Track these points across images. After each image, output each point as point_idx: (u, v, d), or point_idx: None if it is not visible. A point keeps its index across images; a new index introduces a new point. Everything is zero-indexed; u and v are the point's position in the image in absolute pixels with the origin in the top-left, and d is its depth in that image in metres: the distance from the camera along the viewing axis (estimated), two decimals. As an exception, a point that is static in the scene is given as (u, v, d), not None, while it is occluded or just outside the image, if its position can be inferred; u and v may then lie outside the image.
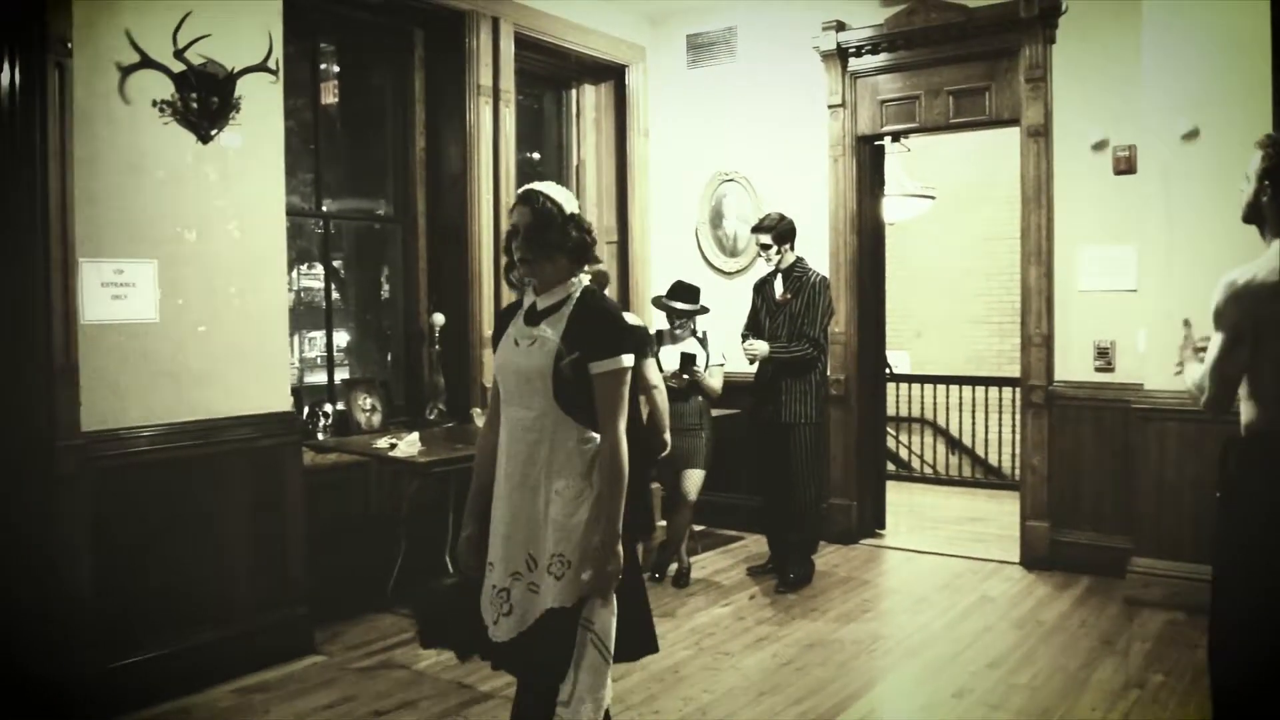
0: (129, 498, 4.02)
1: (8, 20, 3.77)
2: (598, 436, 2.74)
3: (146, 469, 4.07)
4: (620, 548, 2.68)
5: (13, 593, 3.96)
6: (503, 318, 2.96)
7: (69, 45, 3.75)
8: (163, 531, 4.13)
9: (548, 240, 2.73)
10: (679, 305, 5.76)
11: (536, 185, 2.81)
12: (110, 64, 3.94)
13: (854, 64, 6.51)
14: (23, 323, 3.79)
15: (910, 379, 10.02)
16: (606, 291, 5.04)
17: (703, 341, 5.79)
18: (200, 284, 4.26)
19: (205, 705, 4.03)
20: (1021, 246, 6.03)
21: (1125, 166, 5.62)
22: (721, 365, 5.80)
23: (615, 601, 2.72)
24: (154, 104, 4.07)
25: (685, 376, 5.60)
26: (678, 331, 5.79)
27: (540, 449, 2.75)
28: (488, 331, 5.97)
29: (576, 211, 2.80)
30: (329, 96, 5.99)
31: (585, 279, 2.85)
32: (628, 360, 2.74)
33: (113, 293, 3.97)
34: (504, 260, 2.89)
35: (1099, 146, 5.73)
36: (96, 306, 3.92)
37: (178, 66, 4.08)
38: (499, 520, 2.81)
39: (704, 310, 5.83)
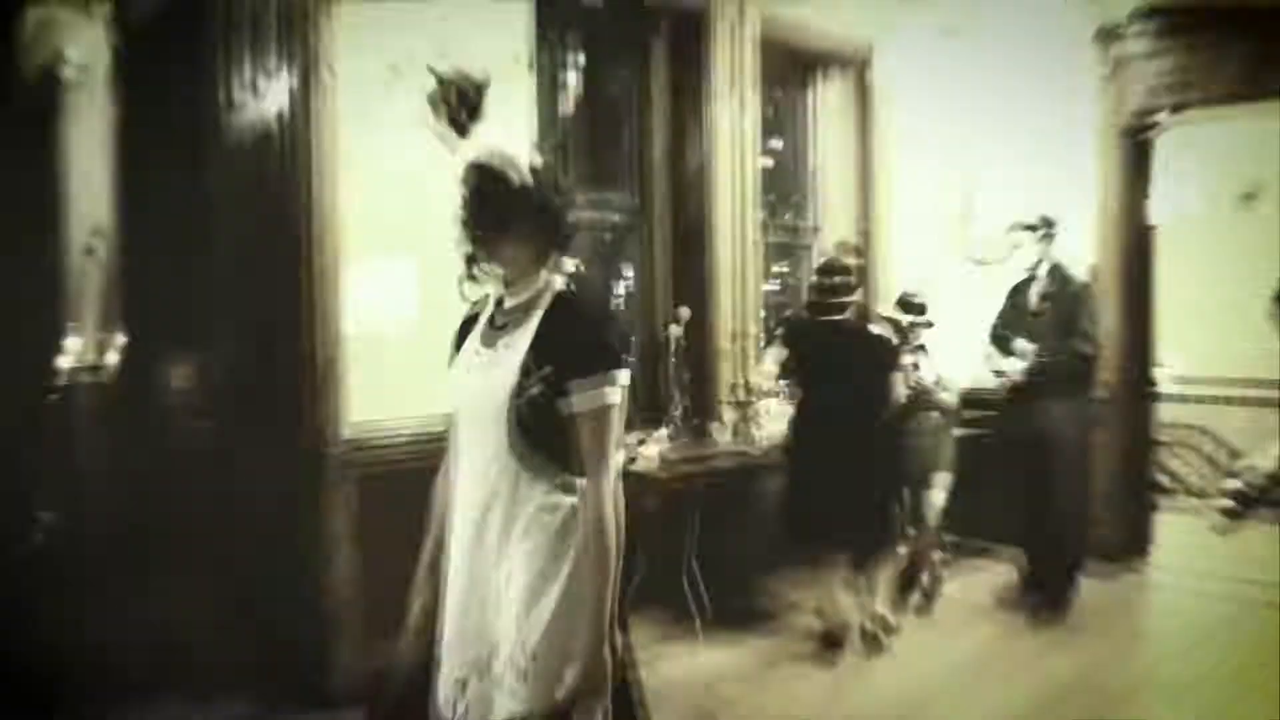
0: (387, 495, 4.13)
1: (284, 39, 4.03)
2: (572, 488, 2.08)
3: (402, 466, 4.19)
4: (612, 643, 2.05)
5: (282, 587, 4.20)
6: (464, 326, 2.31)
7: (336, 60, 3.95)
8: (418, 529, 4.24)
9: (501, 208, 2.09)
10: (905, 317, 5.51)
11: (489, 146, 2.19)
12: (373, 75, 4.11)
13: (1119, 44, 6.04)
14: (295, 325, 4.01)
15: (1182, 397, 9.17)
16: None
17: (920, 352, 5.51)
18: (455, 285, 4.35)
19: (454, 699, 4.10)
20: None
21: None
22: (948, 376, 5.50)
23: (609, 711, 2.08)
24: (412, 112, 4.21)
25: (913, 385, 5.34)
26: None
27: (495, 505, 2.11)
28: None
29: (538, 165, 2.12)
30: (571, 99, 6.06)
31: (565, 269, 2.21)
32: (623, 378, 2.07)
33: (376, 294, 4.14)
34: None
35: None
36: (361, 308, 4.09)
37: (434, 75, 4.22)
38: (453, 599, 2.21)
39: (929, 325, 5.53)
